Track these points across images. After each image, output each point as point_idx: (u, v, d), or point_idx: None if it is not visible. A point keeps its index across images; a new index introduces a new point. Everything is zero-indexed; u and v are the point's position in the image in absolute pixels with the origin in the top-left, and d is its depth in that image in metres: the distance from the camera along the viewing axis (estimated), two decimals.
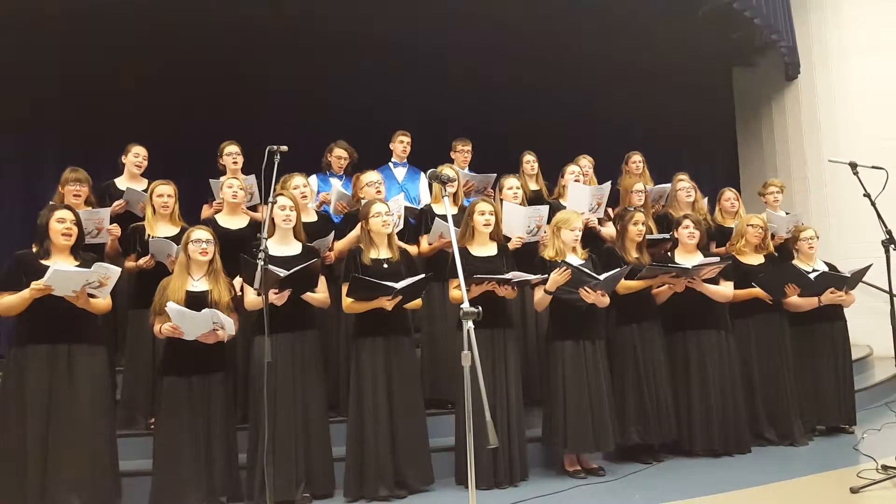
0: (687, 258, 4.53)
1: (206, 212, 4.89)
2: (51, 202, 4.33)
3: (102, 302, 3.60)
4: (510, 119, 7.94)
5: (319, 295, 3.90)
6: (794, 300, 4.72)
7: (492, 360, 3.87)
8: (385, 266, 3.88)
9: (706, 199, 5.50)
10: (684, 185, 5.29)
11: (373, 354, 3.81)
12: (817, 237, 4.96)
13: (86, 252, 3.73)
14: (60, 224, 3.54)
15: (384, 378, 3.80)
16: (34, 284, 3.35)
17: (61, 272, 3.38)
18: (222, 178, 4.77)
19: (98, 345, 3.64)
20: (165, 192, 4.33)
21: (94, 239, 4.24)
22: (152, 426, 4.09)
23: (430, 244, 4.58)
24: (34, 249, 3.60)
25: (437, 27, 6.88)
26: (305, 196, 4.45)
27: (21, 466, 3.36)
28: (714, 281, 4.48)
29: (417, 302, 4.01)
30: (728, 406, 4.43)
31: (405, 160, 5.56)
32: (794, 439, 4.58)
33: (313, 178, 5.12)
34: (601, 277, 3.96)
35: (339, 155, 5.31)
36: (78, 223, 3.61)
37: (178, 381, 3.64)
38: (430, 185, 5.05)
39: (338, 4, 6.53)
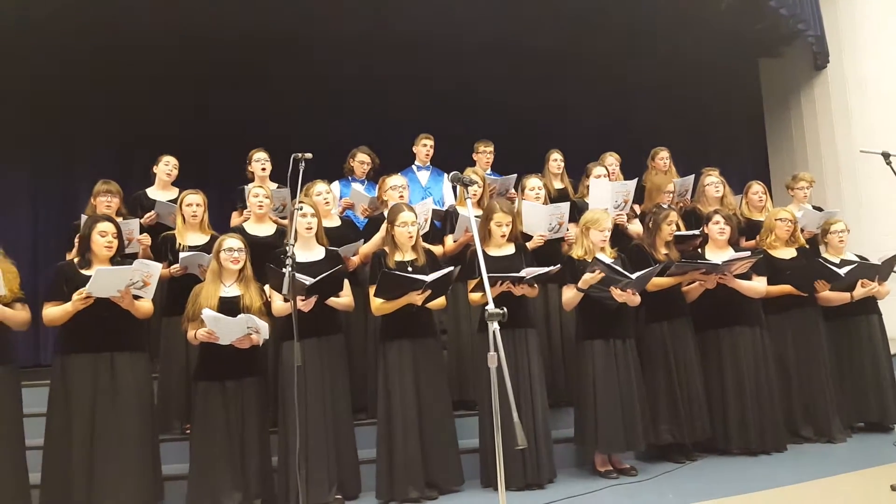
0: (717, 254, 4.47)
1: (235, 219, 4.97)
2: (83, 214, 4.44)
3: (146, 305, 3.69)
4: (531, 117, 7.91)
5: (344, 299, 3.94)
6: (826, 294, 4.64)
7: (514, 360, 3.86)
8: (409, 269, 3.89)
9: (739, 196, 5.42)
10: (713, 181, 5.22)
11: (400, 356, 3.84)
12: (848, 230, 4.86)
13: (124, 260, 3.83)
14: (103, 237, 3.64)
15: (412, 380, 3.83)
16: (75, 296, 3.44)
17: (105, 272, 3.47)
18: (250, 186, 4.84)
19: (139, 351, 3.74)
20: (194, 201, 4.41)
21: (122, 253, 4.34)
22: (187, 431, 4.17)
23: (455, 241, 4.59)
24: (75, 260, 3.71)
25: (452, 26, 6.87)
26: (328, 203, 4.50)
27: (68, 471, 3.46)
28: (746, 276, 4.41)
29: (442, 301, 4.01)
30: (764, 403, 4.36)
31: (428, 163, 5.59)
32: (832, 436, 4.50)
33: (336, 185, 5.17)
34: (633, 276, 3.93)
35: (361, 160, 5.35)
36: (119, 235, 3.71)
37: (213, 385, 3.71)
38: (455, 187, 5.07)
39: (356, 7, 6.57)
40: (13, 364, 3.60)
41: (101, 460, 3.48)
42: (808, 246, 4.91)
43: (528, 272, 3.86)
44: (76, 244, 4.07)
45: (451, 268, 3.82)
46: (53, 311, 3.55)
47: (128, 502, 3.51)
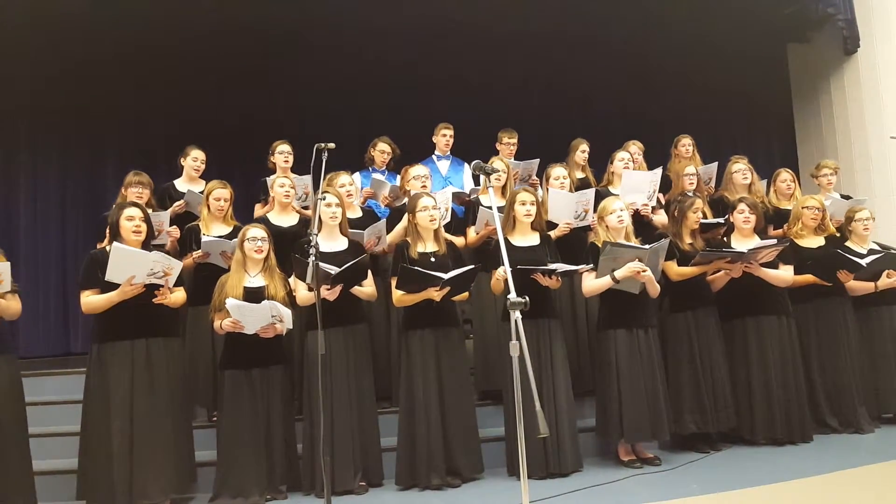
0: (743, 243, 4.42)
1: (258, 210, 5.02)
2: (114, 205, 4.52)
3: (179, 296, 3.78)
4: (552, 106, 7.86)
5: (367, 289, 3.98)
6: (850, 284, 4.56)
7: (537, 350, 3.86)
8: (432, 259, 3.91)
9: (764, 182, 5.35)
10: (740, 168, 5.15)
11: (422, 346, 3.86)
12: (872, 218, 4.77)
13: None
14: (130, 222, 3.70)
15: (434, 369, 3.85)
16: (124, 284, 3.50)
17: (122, 249, 3.51)
18: (273, 177, 4.88)
19: (173, 336, 3.83)
20: (222, 195, 4.46)
21: (154, 241, 4.41)
22: (214, 419, 4.24)
23: (476, 233, 4.59)
24: (107, 248, 3.76)
25: (473, 14, 6.81)
26: (351, 194, 4.53)
27: (108, 456, 3.55)
28: (773, 265, 4.35)
29: (464, 293, 4.02)
30: (790, 393, 4.31)
31: (448, 153, 5.59)
32: (859, 427, 4.44)
33: (357, 176, 5.19)
34: (647, 247, 3.92)
35: (382, 150, 5.37)
36: (146, 220, 3.78)
37: (239, 374, 3.78)
38: (476, 177, 5.06)
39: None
40: (12, 353, 3.66)
41: (140, 445, 3.57)
42: (838, 234, 4.83)
43: (559, 267, 3.85)
44: (107, 234, 4.15)
45: (473, 266, 3.84)
46: (96, 300, 3.60)
47: (166, 486, 3.62)
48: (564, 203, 4.53)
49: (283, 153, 5.11)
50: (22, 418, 3.62)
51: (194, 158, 5.02)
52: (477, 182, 5.12)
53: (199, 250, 4.29)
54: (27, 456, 3.61)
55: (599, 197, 4.70)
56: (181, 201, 4.81)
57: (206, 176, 4.96)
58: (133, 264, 3.53)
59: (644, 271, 3.91)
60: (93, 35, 6.35)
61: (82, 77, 6.88)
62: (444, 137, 5.55)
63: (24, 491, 3.54)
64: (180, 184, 5.04)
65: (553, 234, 4.43)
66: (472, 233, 4.64)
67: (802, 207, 4.68)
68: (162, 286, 3.63)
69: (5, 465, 3.48)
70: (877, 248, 4.71)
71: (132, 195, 4.56)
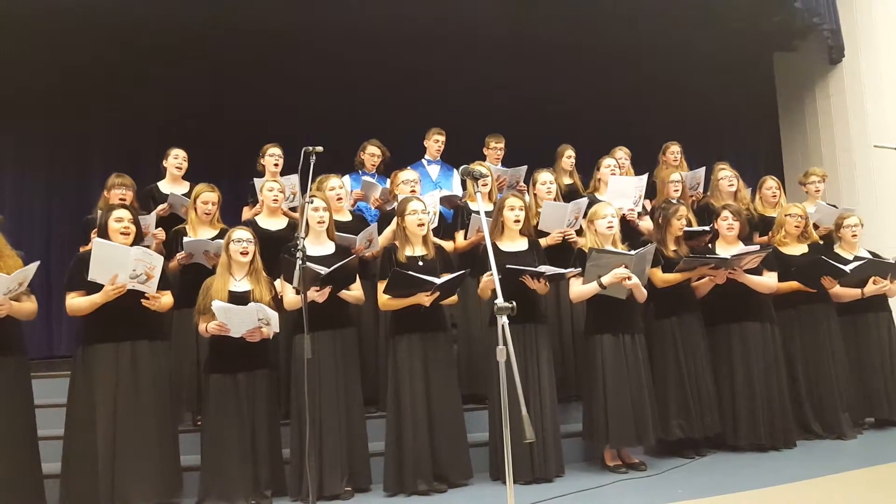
0: (727, 249, 4.45)
1: (246, 213, 5.00)
2: (97, 208, 4.49)
3: (167, 300, 3.76)
4: (540, 112, 7.88)
5: (355, 292, 3.96)
6: (836, 290, 4.61)
7: (523, 355, 3.86)
8: (420, 263, 3.91)
9: (749, 189, 5.40)
10: (726, 175, 5.20)
11: (410, 351, 3.85)
12: (861, 225, 4.82)
13: None
14: (118, 223, 3.68)
15: (421, 374, 3.84)
16: (108, 285, 3.48)
17: (104, 244, 3.48)
18: (262, 180, 4.87)
19: (159, 340, 3.80)
20: (210, 199, 4.44)
21: (141, 244, 4.38)
22: (199, 423, 4.21)
23: (466, 239, 4.59)
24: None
25: (462, 20, 6.83)
26: (341, 197, 4.52)
27: (92, 460, 3.51)
28: (757, 272, 4.39)
29: (454, 298, 4.02)
30: (773, 399, 4.34)
31: (438, 158, 5.59)
32: (842, 433, 4.48)
33: (346, 179, 5.18)
34: (633, 253, 3.94)
35: (372, 153, 5.36)
36: (135, 222, 3.76)
37: (224, 378, 3.75)
38: (464, 182, 5.07)
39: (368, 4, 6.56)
40: (23, 355, 3.64)
41: (124, 449, 3.54)
42: (821, 242, 4.88)
43: (548, 269, 3.86)
44: (92, 237, 4.12)
45: (463, 271, 3.84)
46: (80, 302, 3.58)
47: (150, 491, 3.58)
48: (559, 213, 4.55)
49: (273, 156, 5.09)
50: (31, 421, 3.59)
51: (175, 157, 5.00)
52: (465, 187, 5.14)
53: (183, 252, 4.27)
54: (37, 458, 3.59)
55: (588, 203, 4.72)
56: (164, 205, 4.77)
57: (194, 178, 4.93)
58: (115, 261, 3.49)
59: (630, 278, 3.94)
60: (86, 35, 6.30)
61: (69, 77, 6.83)
62: (436, 143, 5.54)
63: (34, 493, 3.52)
64: (164, 185, 5.01)
65: (544, 241, 4.45)
66: (460, 238, 4.65)
67: (786, 215, 4.72)
68: (147, 294, 3.58)
69: (15, 468, 3.45)
70: (867, 255, 4.76)
71: (115, 197, 4.53)
